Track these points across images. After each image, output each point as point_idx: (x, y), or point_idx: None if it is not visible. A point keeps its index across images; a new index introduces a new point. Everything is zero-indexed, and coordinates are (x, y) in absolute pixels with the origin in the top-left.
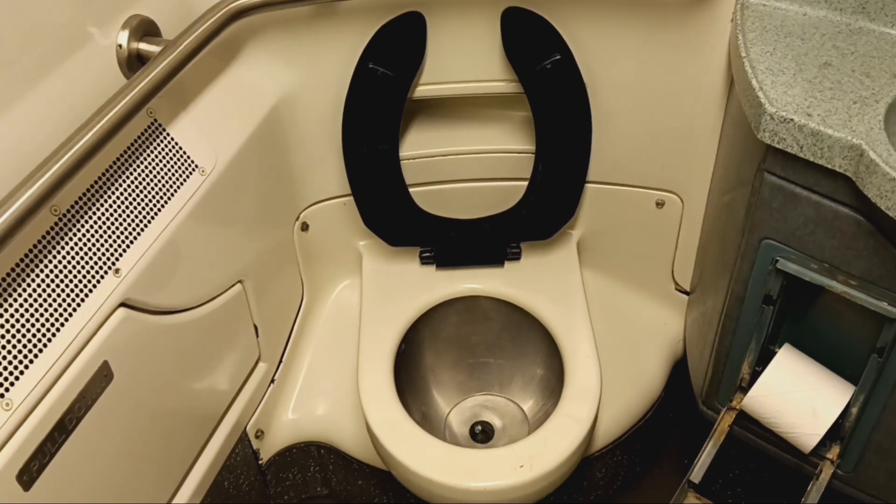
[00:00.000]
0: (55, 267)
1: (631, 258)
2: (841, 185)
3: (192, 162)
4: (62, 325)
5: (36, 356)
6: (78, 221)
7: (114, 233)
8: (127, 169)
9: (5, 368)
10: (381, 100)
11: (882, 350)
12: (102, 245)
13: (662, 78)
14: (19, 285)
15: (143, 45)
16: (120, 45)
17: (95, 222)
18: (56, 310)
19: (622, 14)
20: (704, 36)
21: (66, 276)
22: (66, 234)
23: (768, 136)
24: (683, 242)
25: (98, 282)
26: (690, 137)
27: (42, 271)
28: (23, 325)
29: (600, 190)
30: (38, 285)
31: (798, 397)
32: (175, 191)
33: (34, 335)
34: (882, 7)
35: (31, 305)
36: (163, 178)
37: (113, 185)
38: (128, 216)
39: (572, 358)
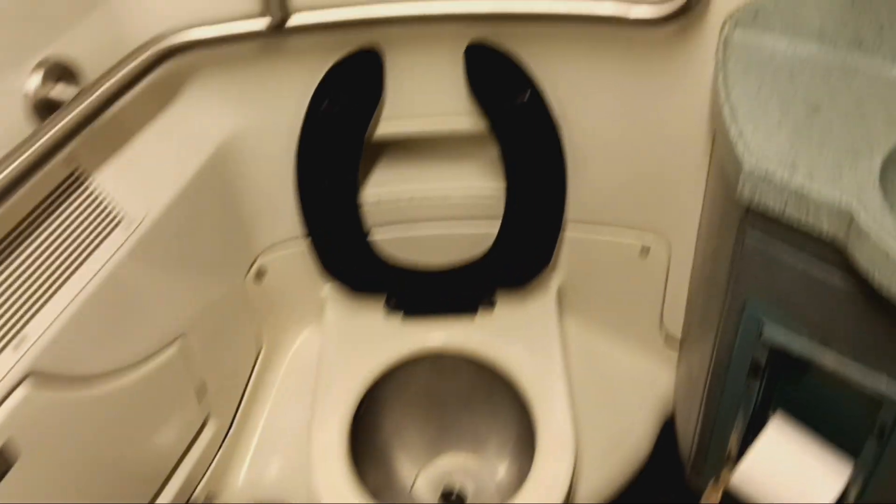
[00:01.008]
0: None
1: (616, 305)
2: (831, 250)
3: (118, 214)
4: None
5: None
6: None
7: (20, 297)
8: (39, 226)
9: None
10: (337, 141)
11: (882, 432)
12: (5, 312)
13: (642, 115)
14: None
15: (56, 90)
16: (28, 92)
17: None
18: None
19: (594, 49)
20: (686, 72)
21: None
22: None
23: (747, 193)
24: (672, 289)
25: None
26: (676, 177)
27: None
28: None
29: (582, 231)
30: None
31: (789, 478)
32: (96, 246)
33: None
34: (881, 42)
35: None
36: (81, 233)
37: (21, 245)
38: (38, 278)
39: (545, 420)
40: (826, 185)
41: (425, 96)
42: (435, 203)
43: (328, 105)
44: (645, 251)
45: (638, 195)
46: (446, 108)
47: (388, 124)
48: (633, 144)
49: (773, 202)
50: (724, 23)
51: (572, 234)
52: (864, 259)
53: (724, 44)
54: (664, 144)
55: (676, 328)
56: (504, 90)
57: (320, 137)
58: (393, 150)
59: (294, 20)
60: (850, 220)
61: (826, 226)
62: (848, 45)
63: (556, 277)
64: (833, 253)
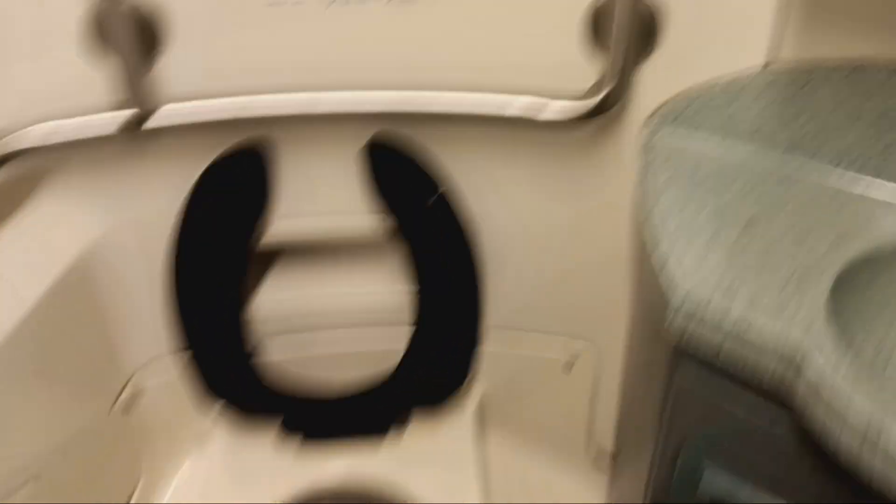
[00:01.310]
0: None
1: (543, 420)
2: (779, 396)
3: None
4: None
5: None
6: None
7: None
8: None
9: None
10: (218, 248)
11: None
12: None
13: (563, 216)
14: None
15: None
16: None
17: None
18: None
19: (509, 145)
20: (608, 172)
21: None
22: None
23: (676, 329)
24: (602, 402)
25: None
26: (601, 283)
27: None
28: None
29: (503, 339)
30: None
31: None
32: None
33: None
34: (819, 147)
35: None
36: None
37: None
38: None
39: None
40: (769, 320)
41: (320, 197)
42: (336, 314)
43: (206, 208)
44: (570, 363)
45: (562, 300)
46: (345, 210)
47: (279, 229)
48: (555, 246)
49: (705, 344)
50: (647, 121)
51: (493, 343)
52: (815, 418)
53: (648, 145)
54: (587, 248)
55: (607, 444)
56: (409, 189)
57: (198, 244)
58: (288, 257)
59: (163, 114)
60: (798, 364)
61: (770, 370)
62: (786, 147)
63: (476, 392)
64: (778, 405)
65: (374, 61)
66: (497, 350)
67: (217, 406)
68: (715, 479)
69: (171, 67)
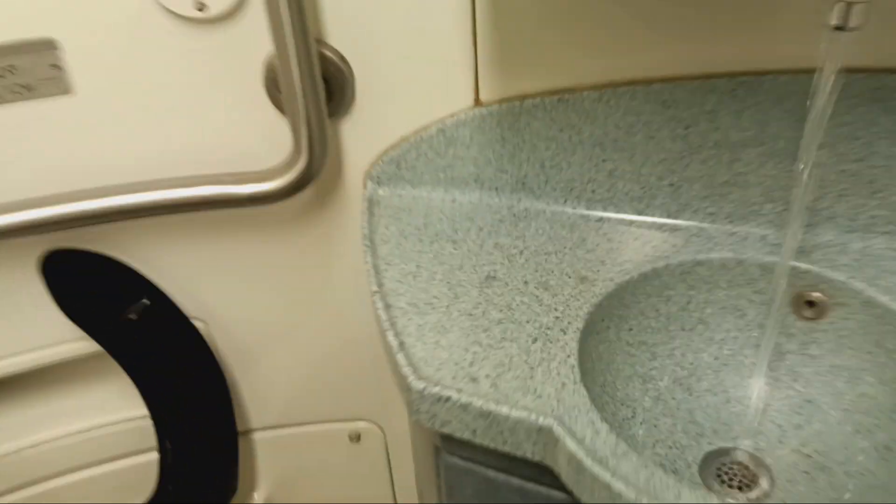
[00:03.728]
0: None
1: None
2: (544, 471)
3: None
4: None
5: None
6: None
7: None
8: None
9: None
10: None
11: None
12: None
13: (306, 293)
14: None
15: None
16: None
17: None
18: None
19: (218, 231)
20: (339, 236)
21: None
22: None
23: (425, 420)
24: (399, 475)
25: None
26: (366, 353)
27: None
28: None
29: (274, 438)
30: None
31: None
32: None
33: None
34: (546, 182)
35: None
36: None
37: None
38: None
39: None
40: (516, 394)
41: (3, 329)
42: (69, 445)
43: None
44: (354, 437)
45: (331, 384)
46: (38, 336)
47: None
48: (305, 328)
49: (458, 426)
50: (365, 180)
51: (270, 441)
52: (581, 491)
53: (370, 204)
54: (343, 322)
55: None
56: (108, 301)
57: None
58: None
59: None
60: (554, 440)
61: (529, 449)
62: (513, 189)
63: (259, 493)
64: (551, 474)
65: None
66: (274, 449)
67: None
68: None
69: None
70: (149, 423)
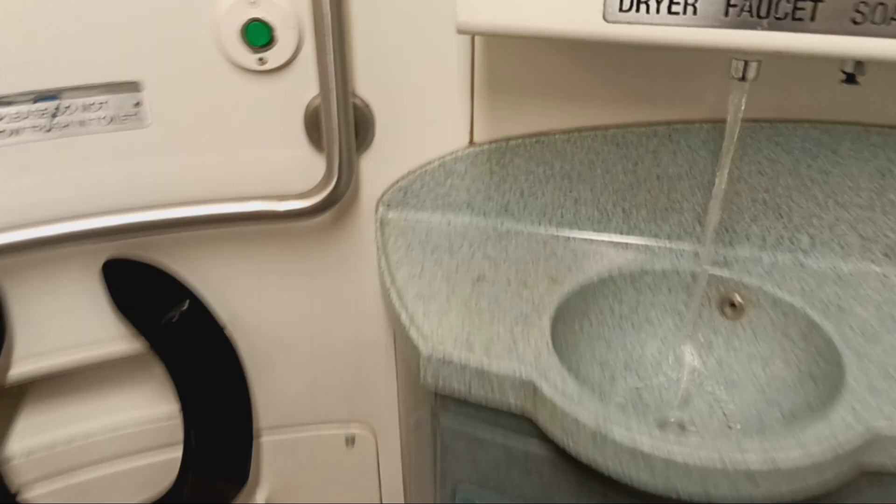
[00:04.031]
0: None
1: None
2: (526, 422)
3: None
4: None
5: None
6: None
7: None
8: None
9: None
10: None
11: None
12: None
13: (320, 304)
14: None
15: None
16: None
17: None
18: None
19: (255, 246)
20: (353, 255)
21: None
22: None
23: (430, 378)
24: (387, 478)
25: None
26: (368, 361)
27: None
28: None
29: (280, 437)
30: None
31: None
32: None
33: None
34: (524, 207)
35: None
36: None
37: None
38: None
39: None
40: (503, 358)
41: (63, 325)
42: (102, 440)
43: None
44: (350, 440)
45: (333, 386)
46: (92, 335)
47: (22, 364)
48: (316, 335)
49: (457, 384)
50: (378, 205)
51: (273, 442)
52: (555, 429)
53: (381, 224)
54: (349, 331)
55: None
56: (155, 305)
57: None
58: (38, 391)
59: None
60: (533, 389)
61: (513, 399)
62: (497, 213)
63: (261, 491)
64: (529, 425)
65: (104, 186)
66: (277, 450)
67: None
68: None
69: None
70: (171, 424)
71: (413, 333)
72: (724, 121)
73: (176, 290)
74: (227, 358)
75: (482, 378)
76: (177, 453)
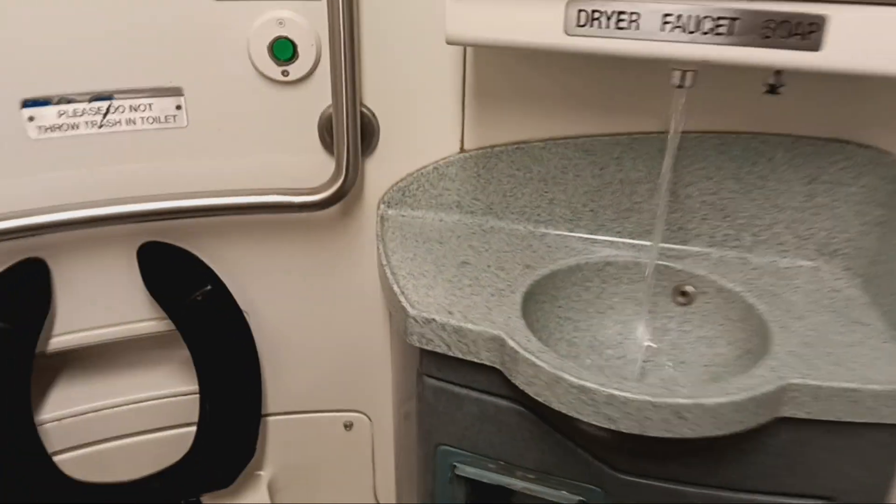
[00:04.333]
0: None
1: (330, 489)
2: (495, 379)
3: None
4: None
5: None
6: None
7: None
8: None
9: None
10: (3, 357)
11: None
12: None
13: (326, 297)
14: None
15: None
16: None
17: None
18: None
19: (270, 238)
20: (356, 248)
21: None
22: None
23: (416, 338)
24: (380, 463)
25: None
26: (366, 352)
27: None
28: None
29: (284, 421)
30: None
31: None
32: None
33: None
34: (506, 207)
35: None
36: None
37: None
38: None
39: None
40: (479, 322)
41: (101, 301)
42: (123, 413)
43: None
44: (348, 426)
45: (334, 375)
46: (125, 312)
47: (63, 335)
48: (321, 328)
49: (438, 341)
50: (379, 203)
51: (279, 423)
52: (521, 379)
53: (381, 220)
54: (351, 319)
55: (390, 501)
56: (184, 285)
57: None
58: (73, 361)
59: None
60: (501, 345)
61: (485, 354)
62: (483, 213)
63: (266, 472)
64: (498, 381)
65: (144, 176)
66: (282, 431)
67: None
68: (465, 471)
69: None
70: (188, 402)
71: (403, 301)
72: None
73: (201, 272)
74: (244, 341)
75: (460, 335)
76: (190, 430)
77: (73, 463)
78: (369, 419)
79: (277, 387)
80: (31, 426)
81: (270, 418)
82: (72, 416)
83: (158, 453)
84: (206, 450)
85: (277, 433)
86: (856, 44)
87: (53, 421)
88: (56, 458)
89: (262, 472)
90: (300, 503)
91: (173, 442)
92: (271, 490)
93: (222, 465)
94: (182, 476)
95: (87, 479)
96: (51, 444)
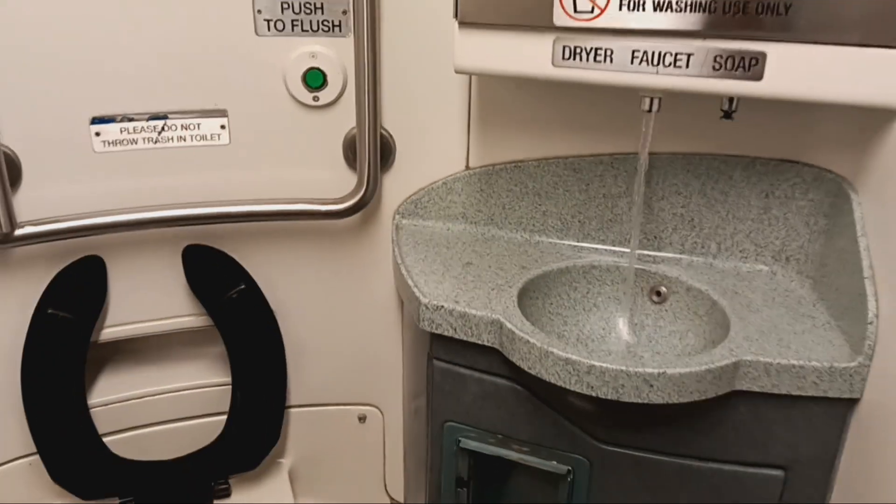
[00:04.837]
0: None
1: (344, 478)
2: (495, 360)
3: None
4: None
5: None
6: None
7: None
8: None
9: None
10: (64, 345)
11: None
12: None
13: (346, 299)
14: None
15: None
16: None
17: None
18: None
19: (298, 244)
20: (373, 253)
21: None
22: None
23: (427, 324)
24: (390, 454)
25: None
26: (380, 350)
27: None
28: None
29: (303, 413)
30: None
31: None
32: None
33: None
34: (505, 218)
35: None
36: None
37: None
38: None
39: None
40: (480, 309)
41: (148, 297)
42: (163, 401)
43: (55, 309)
44: (362, 419)
45: (350, 371)
46: (169, 307)
47: (114, 327)
48: (341, 326)
49: (446, 326)
50: (394, 214)
51: (299, 415)
52: (517, 356)
53: (396, 228)
54: (367, 320)
55: (398, 491)
56: (222, 284)
57: (47, 342)
58: (120, 352)
59: (23, 231)
60: (500, 328)
61: (486, 336)
62: (485, 223)
63: (287, 459)
64: (498, 361)
65: (191, 187)
66: (302, 422)
67: (63, 496)
68: (469, 444)
69: (25, 197)
70: (219, 391)
71: (416, 292)
72: (652, 153)
73: (237, 273)
74: (273, 336)
75: (464, 319)
76: (221, 418)
77: (121, 443)
78: (381, 413)
79: (298, 381)
80: (86, 409)
81: (292, 410)
82: (119, 402)
83: (193, 437)
84: (234, 436)
85: (297, 424)
86: (791, 74)
87: (102, 406)
88: (105, 439)
89: (283, 461)
90: (316, 493)
91: (206, 428)
92: (291, 477)
93: (249, 451)
94: (213, 459)
95: (131, 458)
96: (101, 426)
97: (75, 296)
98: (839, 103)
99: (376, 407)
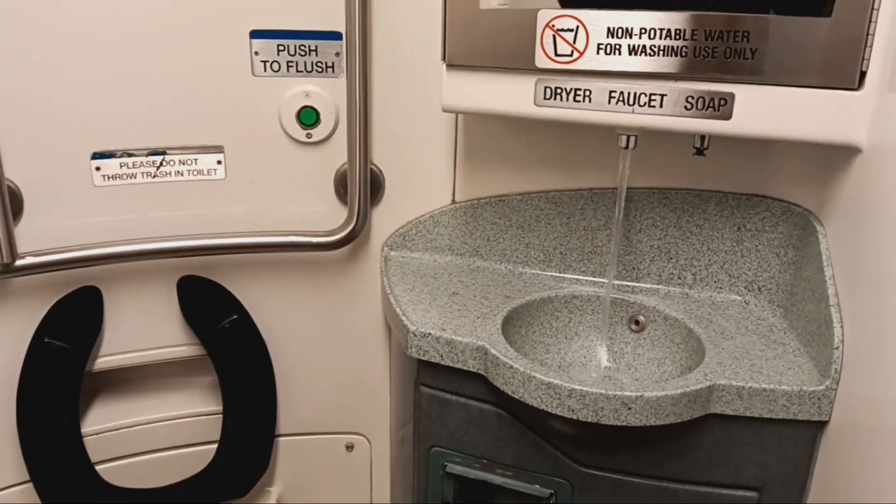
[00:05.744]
0: None
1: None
2: (480, 385)
3: None
4: None
5: None
6: None
7: None
8: None
9: None
10: (59, 374)
11: None
12: None
13: (335, 329)
14: None
15: None
16: None
17: None
18: None
19: (289, 275)
20: (362, 285)
21: None
22: None
23: (415, 350)
24: (377, 482)
25: None
26: (368, 380)
27: None
28: None
29: (292, 441)
30: None
31: None
32: None
33: None
34: (490, 250)
35: None
36: None
37: None
38: None
39: None
40: (466, 336)
41: (143, 327)
42: (155, 430)
43: (51, 338)
44: (349, 447)
45: (339, 401)
46: (163, 337)
47: (108, 356)
48: (330, 356)
49: (432, 353)
50: (383, 246)
51: (288, 444)
52: (501, 380)
53: (385, 260)
54: (356, 347)
55: None
56: (215, 314)
57: (43, 370)
58: (113, 380)
59: (24, 262)
60: (485, 353)
61: (472, 362)
62: (471, 255)
63: (275, 488)
64: (482, 387)
65: (187, 219)
66: (290, 451)
67: None
68: (454, 465)
69: (27, 228)
70: (210, 420)
71: (404, 320)
72: (629, 188)
73: (229, 303)
74: (264, 365)
75: (451, 346)
76: (212, 447)
77: (113, 472)
78: (369, 442)
79: (288, 409)
80: (79, 438)
81: (281, 439)
82: (111, 430)
83: (183, 466)
84: (225, 464)
85: (286, 452)
86: (758, 114)
87: (95, 434)
88: (98, 467)
89: (271, 489)
90: None
91: (197, 456)
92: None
93: (238, 479)
94: (203, 486)
95: (122, 485)
96: (93, 455)
97: (72, 325)
98: (802, 140)
99: (364, 436)
